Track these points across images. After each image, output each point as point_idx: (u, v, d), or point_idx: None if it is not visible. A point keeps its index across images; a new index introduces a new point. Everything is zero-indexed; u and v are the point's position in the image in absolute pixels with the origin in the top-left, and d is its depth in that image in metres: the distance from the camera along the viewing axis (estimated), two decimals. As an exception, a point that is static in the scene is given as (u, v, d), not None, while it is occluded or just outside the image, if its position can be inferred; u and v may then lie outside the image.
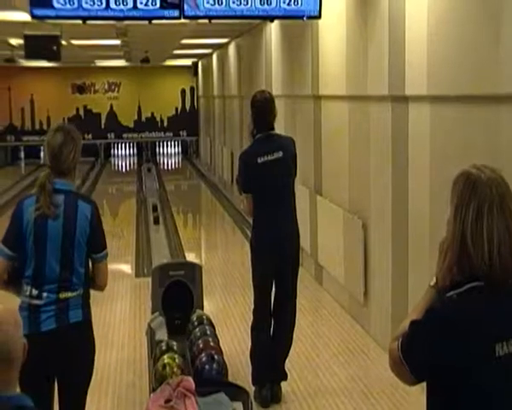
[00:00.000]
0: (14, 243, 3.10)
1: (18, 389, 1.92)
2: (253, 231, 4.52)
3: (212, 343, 4.33)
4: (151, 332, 4.71)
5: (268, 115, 4.34)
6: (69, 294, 3.09)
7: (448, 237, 1.77)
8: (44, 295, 3.07)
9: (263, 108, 4.33)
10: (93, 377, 4.64)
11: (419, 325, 1.75)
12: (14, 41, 12.44)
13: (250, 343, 4.55)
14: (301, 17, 5.86)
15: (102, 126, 21.63)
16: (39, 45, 9.26)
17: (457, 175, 1.80)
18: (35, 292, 3.08)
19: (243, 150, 4.65)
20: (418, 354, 1.73)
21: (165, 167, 20.17)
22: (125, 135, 21.83)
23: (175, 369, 3.91)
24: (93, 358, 3.25)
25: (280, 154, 4.34)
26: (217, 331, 4.73)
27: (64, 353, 3.10)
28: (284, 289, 4.48)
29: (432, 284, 1.84)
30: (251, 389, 4.33)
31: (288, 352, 4.59)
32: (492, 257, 1.68)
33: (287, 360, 4.63)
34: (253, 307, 4.58)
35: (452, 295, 1.73)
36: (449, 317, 1.69)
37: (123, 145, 21.98)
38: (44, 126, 20.77)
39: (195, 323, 4.66)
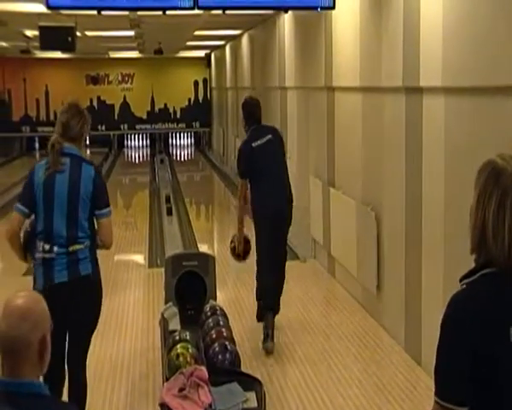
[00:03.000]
0: (29, 202, 3.45)
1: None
2: (255, 201, 5.34)
3: (225, 333, 4.35)
4: (164, 322, 4.74)
5: (258, 113, 5.48)
6: (77, 246, 3.42)
7: (470, 223, 1.79)
8: (55, 249, 3.39)
9: (254, 108, 5.49)
10: (107, 365, 4.71)
11: (440, 346, 1.74)
12: (30, 32, 12.49)
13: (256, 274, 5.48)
14: (315, 8, 5.84)
15: (116, 117, 21.70)
16: (54, 36, 9.28)
17: (483, 164, 1.78)
18: (47, 247, 3.40)
19: (241, 143, 5.63)
20: (455, 372, 1.70)
21: (178, 158, 20.20)
22: (138, 126, 21.88)
23: (188, 359, 3.94)
24: (100, 304, 3.60)
25: (270, 136, 5.40)
26: (230, 322, 4.75)
27: (76, 303, 3.43)
28: (281, 241, 5.42)
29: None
30: (263, 379, 4.35)
31: (283, 287, 5.50)
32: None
33: (298, 350, 4.68)
34: (256, 258, 5.44)
35: (463, 286, 1.75)
36: (461, 314, 1.72)
37: (136, 136, 22.04)
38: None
39: (208, 313, 4.68)
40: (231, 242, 5.67)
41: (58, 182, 3.44)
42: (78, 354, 3.58)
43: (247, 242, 5.62)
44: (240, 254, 5.60)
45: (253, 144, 5.32)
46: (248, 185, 5.34)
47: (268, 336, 5.18)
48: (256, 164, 5.26)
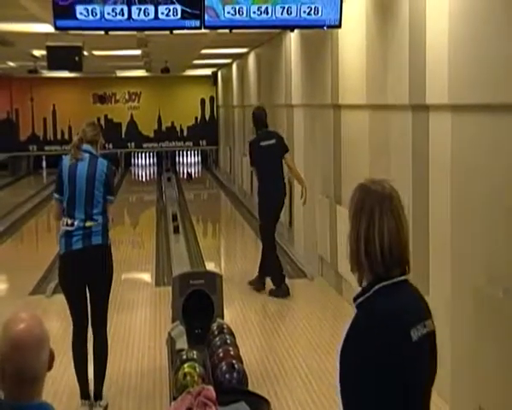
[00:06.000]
0: (61, 188, 4.48)
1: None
2: (260, 188, 7.23)
3: (232, 352, 4.33)
4: (171, 341, 4.73)
5: (265, 119, 7.31)
6: (92, 223, 4.42)
7: (348, 245, 1.97)
8: (75, 223, 4.40)
9: (261, 115, 7.35)
10: (113, 385, 4.71)
11: (343, 361, 1.88)
12: (37, 52, 12.59)
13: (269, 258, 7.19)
14: (321, 26, 5.86)
15: (123, 136, 21.77)
16: (62, 56, 9.35)
17: (354, 188, 2.00)
18: (69, 221, 4.41)
19: (251, 139, 7.47)
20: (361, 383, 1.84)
21: (185, 177, 20.23)
22: (145, 144, 21.95)
23: (196, 378, 3.92)
24: (111, 271, 4.55)
25: (273, 141, 7.21)
26: (237, 341, 4.74)
27: (90, 266, 4.43)
28: (278, 218, 7.35)
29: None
30: (271, 398, 4.32)
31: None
32: (384, 253, 1.89)
33: (305, 368, 4.66)
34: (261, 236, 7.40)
35: (361, 303, 1.90)
36: (363, 335, 1.85)
37: (143, 155, 22.10)
38: (66, 136, 20.95)
39: (216, 332, 4.67)
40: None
41: (79, 169, 4.46)
42: (98, 314, 4.55)
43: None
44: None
45: (261, 143, 7.14)
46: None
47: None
48: (262, 159, 7.08)
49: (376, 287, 1.91)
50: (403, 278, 1.95)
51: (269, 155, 7.06)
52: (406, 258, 1.96)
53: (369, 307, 1.89)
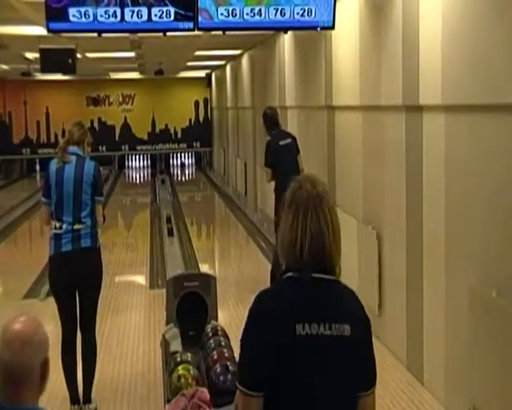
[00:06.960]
0: (48, 192, 4.46)
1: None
2: (277, 186, 6.99)
3: (226, 354, 4.31)
4: (165, 344, 4.71)
5: (277, 119, 7.33)
6: (80, 226, 4.40)
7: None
8: (64, 226, 4.39)
9: (273, 115, 7.34)
10: (107, 387, 4.69)
11: (241, 338, 2.01)
12: (30, 55, 12.56)
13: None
14: (315, 28, 5.86)
15: (117, 138, 21.74)
16: (55, 59, 9.32)
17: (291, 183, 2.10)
18: (58, 225, 4.40)
19: (268, 139, 7.27)
20: (252, 358, 1.96)
21: (179, 179, 20.23)
22: (138, 147, 21.92)
23: (190, 380, 3.91)
24: (101, 274, 4.55)
25: (289, 140, 7.21)
26: (231, 343, 4.72)
27: (79, 268, 4.41)
28: None
29: None
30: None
31: None
32: (302, 250, 1.97)
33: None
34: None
35: (267, 289, 2.07)
36: (258, 311, 1.99)
37: (137, 157, 22.08)
38: (59, 139, 20.89)
39: (210, 334, 4.65)
40: None
41: (66, 171, 4.43)
42: (87, 316, 4.52)
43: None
44: None
45: (280, 142, 7.12)
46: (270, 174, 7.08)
47: None
48: (280, 158, 7.01)
49: (286, 275, 2.02)
50: (320, 275, 1.99)
51: (286, 154, 7.08)
52: (328, 259, 2.00)
53: (271, 293, 2.04)
